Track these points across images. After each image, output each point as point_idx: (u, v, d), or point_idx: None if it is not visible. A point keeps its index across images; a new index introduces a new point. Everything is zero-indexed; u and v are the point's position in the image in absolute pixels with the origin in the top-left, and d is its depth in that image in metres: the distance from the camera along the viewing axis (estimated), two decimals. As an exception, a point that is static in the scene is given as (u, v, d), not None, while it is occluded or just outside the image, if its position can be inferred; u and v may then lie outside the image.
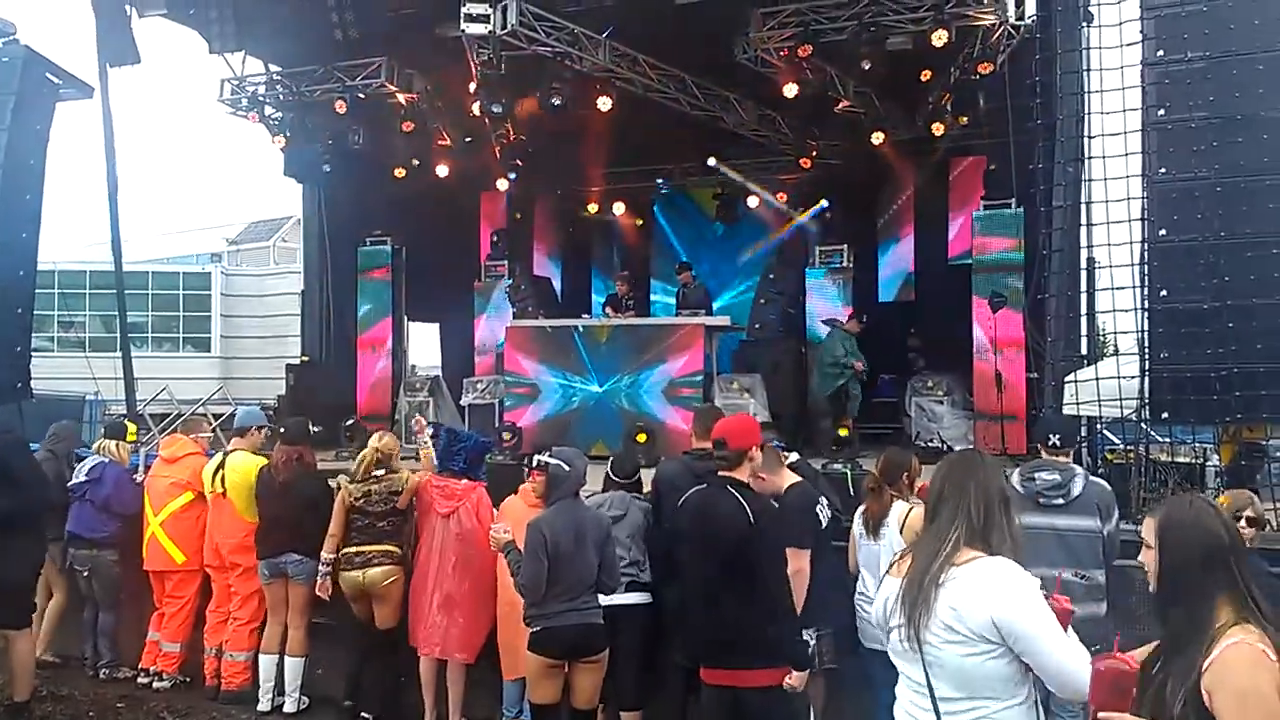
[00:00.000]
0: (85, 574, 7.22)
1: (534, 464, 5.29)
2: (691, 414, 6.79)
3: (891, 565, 2.95)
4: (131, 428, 7.82)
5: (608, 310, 11.89)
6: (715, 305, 13.70)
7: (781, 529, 4.48)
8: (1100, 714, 2.48)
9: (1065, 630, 2.69)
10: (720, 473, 4.38)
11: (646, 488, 5.93)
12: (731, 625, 4.22)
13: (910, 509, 4.90)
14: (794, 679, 4.23)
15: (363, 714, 6.24)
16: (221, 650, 6.79)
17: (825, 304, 12.24)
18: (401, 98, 12.06)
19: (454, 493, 6.15)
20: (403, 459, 6.62)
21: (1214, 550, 2.47)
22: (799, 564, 4.68)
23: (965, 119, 10.99)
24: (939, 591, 2.67)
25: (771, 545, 4.28)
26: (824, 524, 5.07)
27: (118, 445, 7.48)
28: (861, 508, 5.21)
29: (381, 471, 6.21)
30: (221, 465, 6.88)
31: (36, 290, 9.20)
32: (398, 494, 6.21)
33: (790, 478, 5.11)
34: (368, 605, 6.26)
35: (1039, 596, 2.67)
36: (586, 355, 11.21)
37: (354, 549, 6.18)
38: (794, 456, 5.58)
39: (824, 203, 13.18)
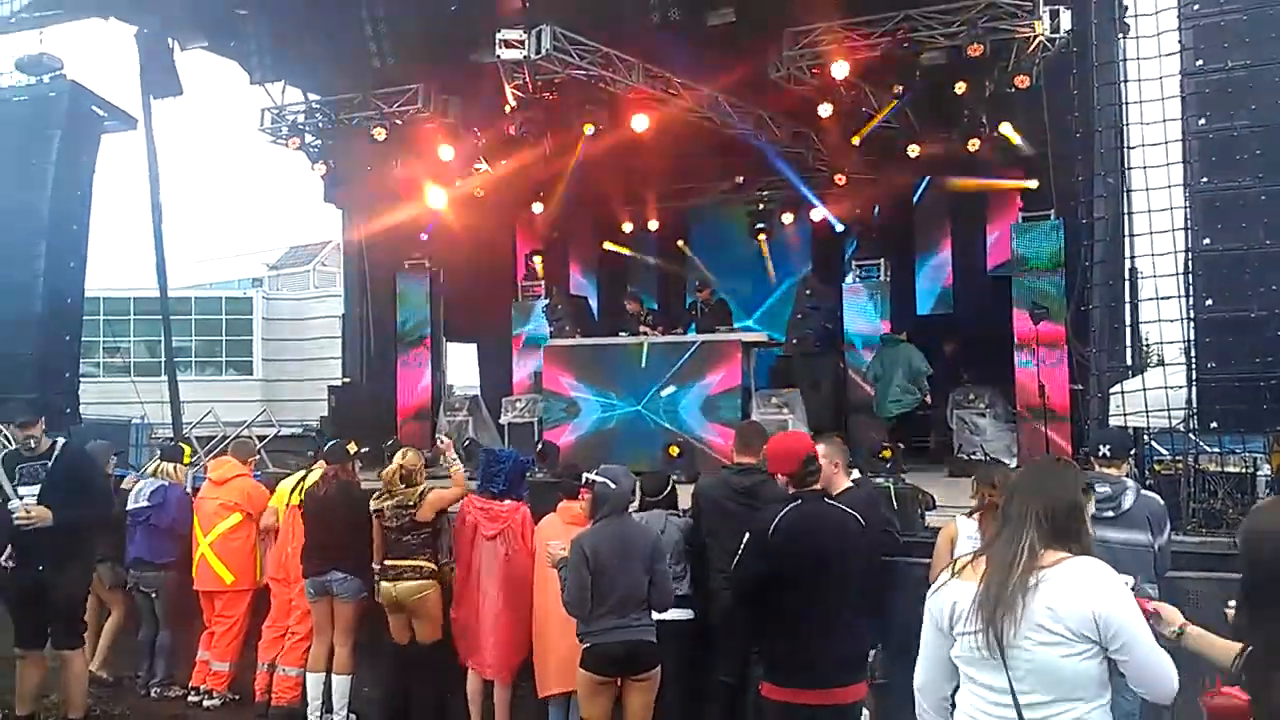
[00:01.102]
0: (154, 595, 7.36)
1: (581, 481, 5.31)
2: (730, 430, 6.80)
3: (963, 568, 2.86)
4: (187, 449, 7.97)
5: (643, 329, 11.93)
6: (750, 320, 13.72)
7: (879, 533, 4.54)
8: None
9: None
10: (806, 488, 4.38)
11: (684, 503, 5.94)
12: (845, 641, 4.22)
13: None
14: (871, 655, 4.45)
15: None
16: (274, 665, 6.86)
17: (862, 318, 12.20)
18: (438, 123, 12.20)
19: (499, 515, 6.18)
20: (438, 477, 6.69)
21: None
22: None
23: (1002, 132, 10.94)
24: (1031, 593, 2.62)
25: (877, 546, 4.35)
26: None
27: (175, 468, 7.62)
28: (978, 521, 5.01)
29: (399, 486, 6.30)
30: (303, 479, 7.03)
31: (83, 317, 9.42)
32: (410, 508, 6.26)
33: (846, 481, 5.11)
34: (405, 619, 6.34)
35: (1131, 595, 2.67)
36: (624, 373, 11.24)
37: (388, 563, 6.30)
38: (855, 473, 5.59)
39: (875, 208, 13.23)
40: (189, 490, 7.73)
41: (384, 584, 6.29)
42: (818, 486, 4.43)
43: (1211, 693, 2.70)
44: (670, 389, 10.87)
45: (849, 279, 12.63)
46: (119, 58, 12.06)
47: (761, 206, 14.80)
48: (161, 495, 7.38)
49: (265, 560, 7.28)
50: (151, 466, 7.85)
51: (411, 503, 6.26)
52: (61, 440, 6.41)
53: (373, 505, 6.35)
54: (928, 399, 10.87)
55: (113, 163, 9.69)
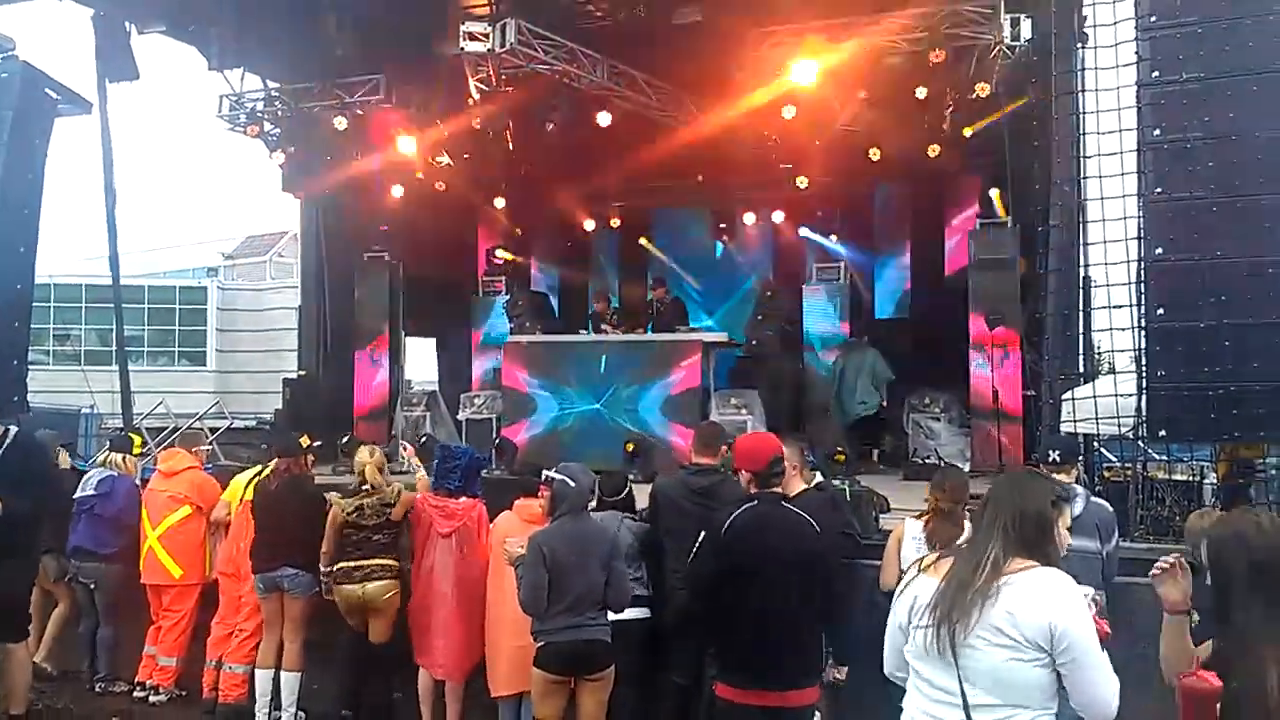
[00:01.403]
0: (92, 587, 7.21)
1: (540, 479, 5.29)
2: (690, 430, 6.80)
3: (929, 565, 2.91)
4: (137, 439, 7.83)
5: (606, 328, 11.91)
6: (711, 320, 13.75)
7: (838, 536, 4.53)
8: None
9: None
10: (768, 490, 4.39)
11: (641, 502, 5.93)
12: (799, 644, 4.23)
13: None
14: (841, 673, 4.35)
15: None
16: (221, 662, 6.75)
17: (823, 320, 12.28)
18: (400, 114, 12.09)
19: (454, 512, 6.13)
20: (396, 473, 6.63)
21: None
22: None
23: (962, 138, 11.05)
24: (990, 600, 2.66)
25: (837, 554, 4.35)
26: None
27: (124, 459, 7.48)
28: (924, 524, 5.09)
29: (370, 486, 6.20)
30: (259, 474, 6.87)
31: (33, 304, 9.20)
32: (390, 506, 6.19)
33: (801, 484, 5.13)
34: (364, 620, 6.26)
35: (1090, 613, 2.70)
36: (584, 371, 11.21)
37: (352, 564, 6.16)
38: (818, 476, 5.65)
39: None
40: (139, 481, 7.60)
41: (348, 587, 6.14)
42: (778, 489, 4.45)
43: (1186, 674, 2.86)
44: (630, 388, 10.87)
45: (809, 281, 12.70)
46: (74, 40, 11.81)
47: (724, 207, 14.82)
48: (109, 485, 7.23)
49: (215, 555, 7.16)
50: (101, 456, 7.69)
51: (391, 500, 6.19)
52: (14, 429, 6.26)
53: (348, 503, 6.19)
54: (884, 403, 11.05)
55: (66, 147, 9.46)
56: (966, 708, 2.67)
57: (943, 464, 9.66)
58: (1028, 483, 2.92)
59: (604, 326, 11.89)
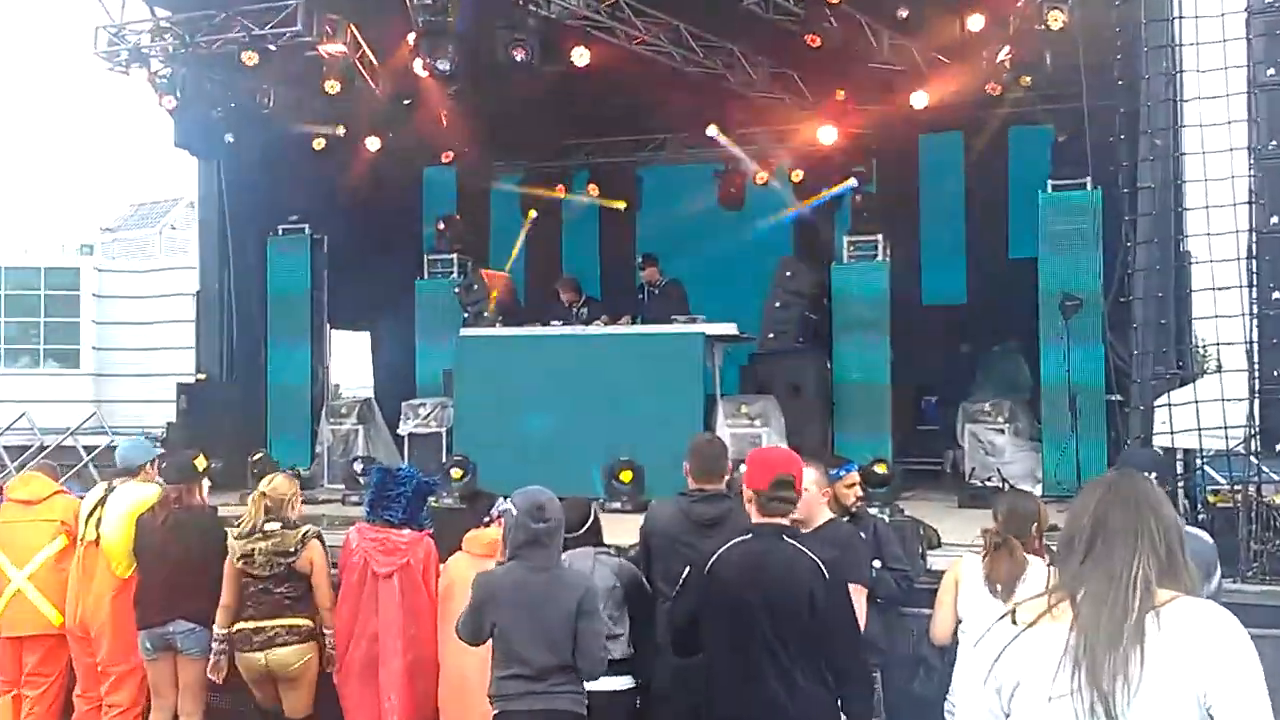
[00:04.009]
0: None
1: (492, 509, 5.30)
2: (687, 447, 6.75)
3: (1039, 616, 2.70)
4: None
5: (601, 319, 11.93)
6: (717, 308, 13.77)
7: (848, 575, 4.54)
8: None
9: None
10: (770, 519, 4.40)
11: (623, 538, 5.92)
12: (800, 704, 4.24)
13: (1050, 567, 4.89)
14: None
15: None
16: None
17: (857, 309, 12.27)
18: (324, 51, 12.05)
19: (396, 547, 6.14)
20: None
21: None
22: (859, 600, 4.73)
23: (1029, 79, 11.06)
24: (1147, 645, 2.54)
25: (846, 600, 4.38)
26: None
27: None
28: (983, 564, 5.11)
29: (274, 526, 6.17)
30: (99, 504, 6.77)
31: None
32: (289, 555, 6.15)
33: (826, 514, 5.15)
34: (273, 690, 6.26)
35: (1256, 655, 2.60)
36: (557, 372, 11.21)
37: (252, 624, 6.16)
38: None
39: (852, 181, 13.21)
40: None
41: (249, 654, 6.15)
42: (784, 520, 4.44)
43: None
44: (613, 394, 10.87)
45: (840, 259, 12.70)
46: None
47: (730, 166, 14.81)
48: None
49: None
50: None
51: (292, 548, 6.15)
52: None
53: (238, 545, 6.18)
54: None
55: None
56: None
57: (1005, 486, 9.68)
58: (1144, 484, 2.81)
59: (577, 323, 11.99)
